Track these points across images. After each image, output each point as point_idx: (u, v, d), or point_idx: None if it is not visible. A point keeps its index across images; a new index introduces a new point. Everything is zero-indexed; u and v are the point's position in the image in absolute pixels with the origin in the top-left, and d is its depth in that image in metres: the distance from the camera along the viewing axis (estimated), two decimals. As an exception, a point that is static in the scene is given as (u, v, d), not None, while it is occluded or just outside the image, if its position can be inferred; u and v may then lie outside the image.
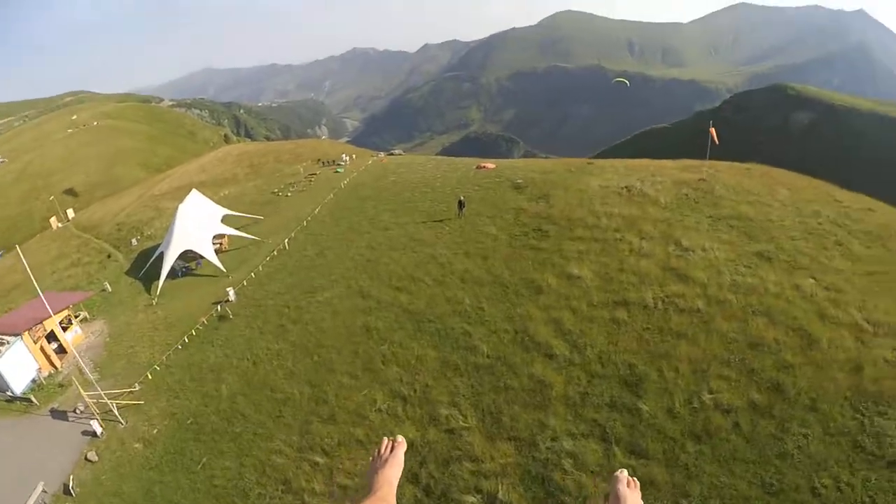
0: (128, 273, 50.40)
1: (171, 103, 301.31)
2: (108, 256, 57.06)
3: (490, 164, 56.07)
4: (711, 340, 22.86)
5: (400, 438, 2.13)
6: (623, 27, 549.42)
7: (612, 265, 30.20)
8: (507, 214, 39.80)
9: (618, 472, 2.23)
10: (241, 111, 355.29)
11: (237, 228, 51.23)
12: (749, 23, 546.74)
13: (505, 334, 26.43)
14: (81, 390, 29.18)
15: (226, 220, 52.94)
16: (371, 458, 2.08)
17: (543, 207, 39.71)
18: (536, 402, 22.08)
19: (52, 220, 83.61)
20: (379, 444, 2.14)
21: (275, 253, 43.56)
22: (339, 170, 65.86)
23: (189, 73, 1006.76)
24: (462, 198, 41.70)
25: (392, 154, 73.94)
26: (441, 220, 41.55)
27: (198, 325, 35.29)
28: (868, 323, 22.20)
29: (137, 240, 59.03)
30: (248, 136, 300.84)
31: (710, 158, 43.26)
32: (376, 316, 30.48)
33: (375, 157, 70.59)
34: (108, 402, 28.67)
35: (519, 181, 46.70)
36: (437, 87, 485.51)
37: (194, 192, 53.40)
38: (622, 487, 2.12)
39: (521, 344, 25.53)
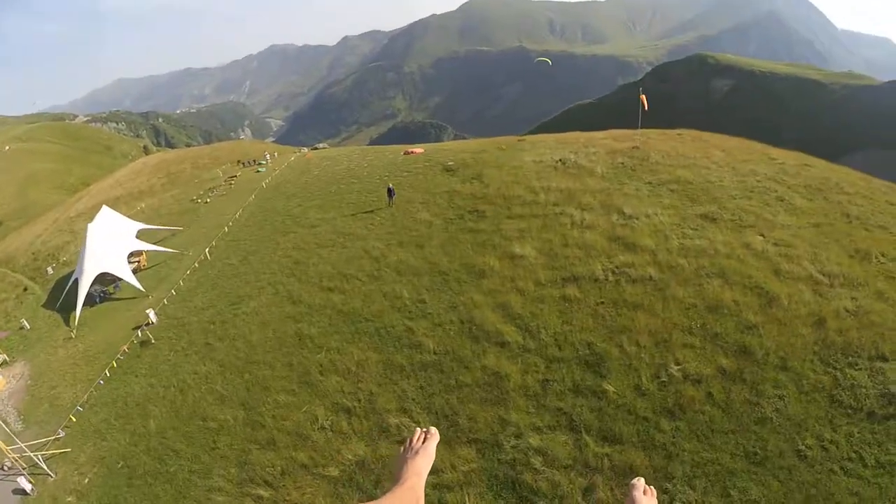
0: (45, 305, 45.79)
1: (85, 119, 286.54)
2: (25, 290, 52.09)
3: (418, 149, 53.66)
4: (669, 308, 21.27)
5: (433, 430, 2.04)
6: (543, 7, 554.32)
7: (555, 241, 28.39)
8: (440, 198, 37.57)
9: (634, 481, 2.03)
10: (160, 120, 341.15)
11: (154, 243, 47.34)
12: None
13: (451, 326, 24.10)
14: (3, 446, 25.57)
15: (142, 235, 48.92)
16: (402, 449, 1.98)
17: (478, 188, 37.68)
18: (494, 396, 19.83)
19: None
20: (411, 434, 2.03)
21: (195, 265, 40.04)
22: (260, 169, 62.19)
23: (102, 87, 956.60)
24: (391, 185, 39.19)
25: (316, 148, 70.41)
26: (371, 211, 38.95)
27: (118, 355, 31.74)
28: (823, 275, 21.43)
29: (53, 268, 54.25)
30: (169, 145, 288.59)
31: (640, 128, 42.32)
32: (308, 322, 27.69)
33: (298, 153, 67.14)
34: (32, 454, 25.23)
35: (450, 163, 44.50)
36: (360, 79, 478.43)
37: (105, 209, 49.11)
38: (638, 495, 1.94)
39: (469, 335, 23.23)
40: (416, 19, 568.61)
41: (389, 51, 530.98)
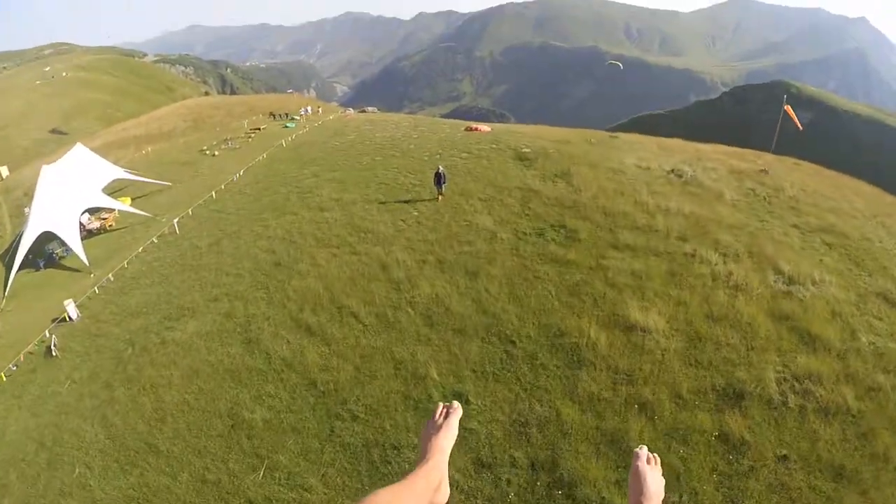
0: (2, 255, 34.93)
1: (154, 58, 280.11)
2: None
3: (484, 127, 40.47)
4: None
5: (455, 405, 1.84)
6: (621, 10, 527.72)
7: (693, 306, 16.24)
8: (511, 198, 24.81)
9: (637, 449, 1.87)
10: (228, 70, 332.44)
11: (133, 199, 35.65)
12: (749, 18, 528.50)
13: (516, 475, 11.30)
14: None
15: (120, 186, 37.28)
16: (425, 425, 1.81)
17: (565, 191, 25.01)
18: None
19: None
20: (434, 409, 1.85)
21: (155, 240, 27.93)
22: (288, 125, 49.88)
23: (175, 30, 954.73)
24: (442, 168, 26.19)
25: (364, 111, 57.49)
26: (408, 201, 26.20)
27: (12, 364, 20.64)
28: None
29: (29, 209, 43.11)
30: (234, 95, 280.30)
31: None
32: (258, 390, 15.18)
33: (341, 113, 54.45)
34: None
35: (525, 150, 31.63)
36: (430, 58, 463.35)
37: (78, 147, 37.76)
38: (642, 465, 1.82)
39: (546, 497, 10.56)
40: (493, 5, 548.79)
41: (462, 33, 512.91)
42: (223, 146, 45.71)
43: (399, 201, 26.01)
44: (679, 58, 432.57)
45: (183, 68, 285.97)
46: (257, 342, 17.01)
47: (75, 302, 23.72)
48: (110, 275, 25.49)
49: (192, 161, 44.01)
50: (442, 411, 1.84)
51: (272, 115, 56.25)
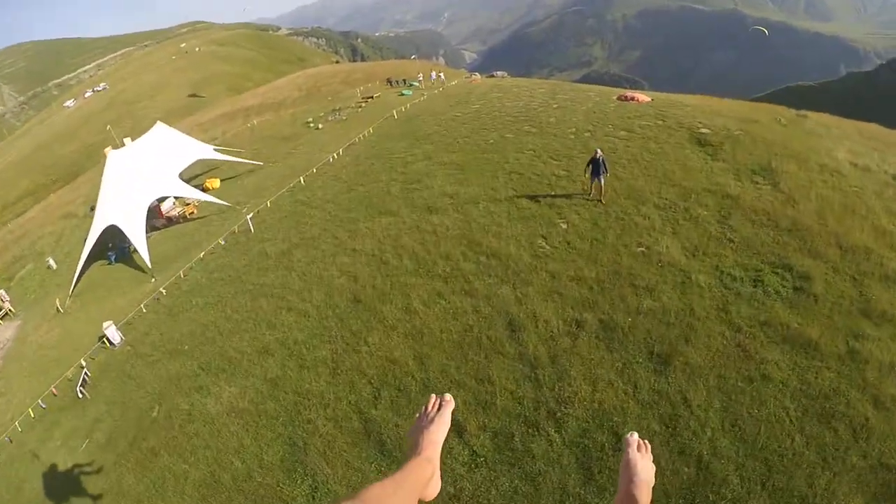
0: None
1: (287, 32, 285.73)
2: (91, 209, 38.45)
3: (643, 96, 30.82)
4: None
5: (448, 397, 1.81)
6: None
7: None
8: (701, 207, 16.22)
9: (628, 436, 1.85)
10: (359, 40, 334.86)
11: (224, 180, 30.49)
12: None
13: None
14: None
15: (213, 165, 32.32)
16: (417, 417, 1.78)
17: (775, 200, 16.09)
18: None
19: (107, 150, 65.60)
20: (426, 401, 1.82)
21: (222, 241, 21.93)
22: (405, 92, 42.74)
23: (308, 4, 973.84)
24: (600, 153, 17.56)
25: (493, 76, 49.20)
26: (550, 201, 18.03)
27: (40, 402, 16.46)
28: None
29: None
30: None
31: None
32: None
33: (466, 78, 46.59)
34: None
35: (703, 130, 22.27)
36: (559, 22, 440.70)
37: (158, 126, 32.69)
38: (632, 452, 1.80)
39: None
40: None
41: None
42: (330, 118, 39.49)
43: (537, 200, 17.94)
44: (827, 23, 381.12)
45: (315, 40, 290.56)
46: (303, 453, 10.07)
47: (120, 321, 18.29)
48: (162, 288, 19.69)
49: (295, 135, 38.20)
50: (435, 403, 1.79)
51: (389, 81, 49.54)
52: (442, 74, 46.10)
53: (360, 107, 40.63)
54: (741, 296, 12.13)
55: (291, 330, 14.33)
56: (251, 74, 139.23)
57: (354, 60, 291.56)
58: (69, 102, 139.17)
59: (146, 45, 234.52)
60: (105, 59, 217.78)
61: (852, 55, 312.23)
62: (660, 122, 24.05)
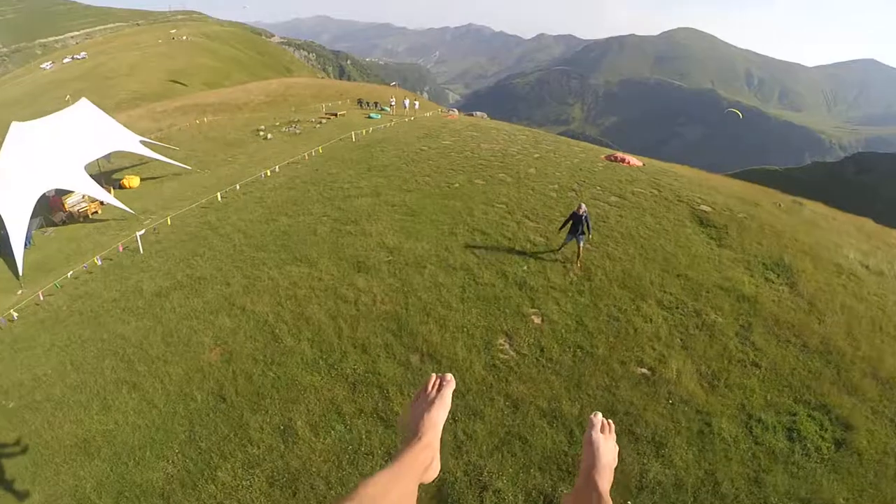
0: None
1: (280, 40, 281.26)
2: None
3: (634, 160, 26.71)
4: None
5: (448, 376, 1.61)
6: (744, 56, 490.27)
7: None
8: (716, 313, 12.22)
9: (592, 416, 1.74)
10: (348, 62, 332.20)
11: (145, 179, 25.34)
12: (873, 82, 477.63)
13: None
14: None
15: (141, 160, 27.16)
16: (415, 398, 1.59)
17: (799, 311, 12.35)
18: None
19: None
20: (426, 381, 1.62)
21: (99, 261, 16.69)
22: (373, 115, 38.15)
23: (304, 17, 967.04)
24: (584, 208, 13.47)
25: (471, 115, 44.95)
26: (520, 275, 13.37)
27: None
28: None
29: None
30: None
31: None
32: None
33: (443, 112, 42.16)
34: None
35: (704, 208, 18.51)
36: (545, 78, 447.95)
37: (83, 102, 27.21)
38: (596, 433, 1.70)
39: None
40: (615, 35, 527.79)
41: (580, 58, 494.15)
42: (284, 129, 34.47)
43: (504, 274, 13.22)
44: (798, 113, 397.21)
45: (306, 53, 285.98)
46: None
47: None
48: (14, 310, 14.15)
49: (240, 141, 32.97)
50: (435, 382, 1.62)
51: (359, 102, 44.89)
52: (417, 103, 41.43)
53: (320, 123, 35.72)
54: (776, 456, 8.25)
55: (126, 422, 9.19)
56: (232, 73, 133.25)
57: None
58: (47, 65, 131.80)
59: (139, 24, 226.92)
60: (95, 28, 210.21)
61: (817, 145, 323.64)
62: (655, 192, 20.01)
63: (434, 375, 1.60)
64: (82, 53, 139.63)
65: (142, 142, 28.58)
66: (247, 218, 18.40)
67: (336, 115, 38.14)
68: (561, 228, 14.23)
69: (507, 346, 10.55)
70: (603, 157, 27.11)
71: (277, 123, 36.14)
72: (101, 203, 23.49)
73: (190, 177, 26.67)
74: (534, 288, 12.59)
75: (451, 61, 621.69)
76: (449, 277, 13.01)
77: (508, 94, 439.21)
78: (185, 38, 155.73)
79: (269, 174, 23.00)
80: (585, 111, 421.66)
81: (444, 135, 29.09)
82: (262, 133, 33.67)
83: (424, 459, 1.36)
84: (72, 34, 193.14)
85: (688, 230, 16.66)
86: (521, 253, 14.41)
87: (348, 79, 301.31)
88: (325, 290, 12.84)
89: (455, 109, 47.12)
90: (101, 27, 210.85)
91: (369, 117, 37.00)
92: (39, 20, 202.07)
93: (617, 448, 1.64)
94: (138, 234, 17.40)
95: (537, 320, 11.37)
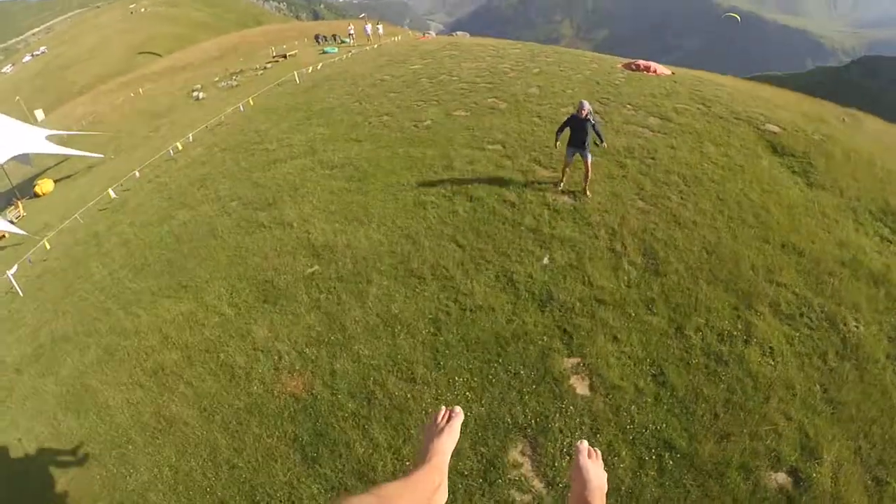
0: None
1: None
2: None
3: (662, 68, 19.78)
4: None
5: (457, 409, 1.67)
6: None
7: None
8: (850, 314, 6.47)
9: (578, 443, 1.71)
10: (321, 5, 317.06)
11: (59, 181, 20.20)
12: None
13: None
14: None
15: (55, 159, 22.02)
16: (426, 426, 1.64)
17: None
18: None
19: None
20: (436, 412, 1.67)
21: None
22: (328, 49, 31.25)
23: None
24: (587, 108, 8.93)
25: (451, 35, 37.48)
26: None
27: None
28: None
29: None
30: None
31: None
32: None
33: (413, 34, 34.92)
34: None
35: (771, 127, 12.72)
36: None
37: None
38: (583, 459, 1.68)
39: None
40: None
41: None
42: (222, 83, 27.86)
43: (511, 279, 7.33)
44: (797, 17, 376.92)
45: (276, 3, 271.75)
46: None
47: None
48: None
49: (170, 108, 26.63)
50: (444, 415, 1.69)
51: (316, 38, 37.70)
52: (380, 27, 33.56)
53: (265, 68, 28.90)
54: None
55: None
56: (196, 36, 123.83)
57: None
58: (7, 68, 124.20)
59: (98, 6, 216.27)
60: (56, 20, 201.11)
61: (819, 50, 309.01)
62: (703, 108, 13.94)
63: (444, 408, 1.62)
64: (41, 49, 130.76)
65: (51, 137, 22.61)
66: (140, 220, 12.47)
67: (286, 56, 31.11)
68: (557, 140, 9.52)
69: (527, 469, 4.77)
70: (620, 65, 20.43)
71: (217, 79, 29.42)
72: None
73: (104, 166, 20.62)
74: (567, 306, 6.66)
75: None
76: (412, 302, 7.07)
77: (493, 18, 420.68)
78: (143, 10, 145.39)
79: (181, 148, 16.85)
80: (575, 27, 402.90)
81: (412, 59, 22.37)
82: (195, 93, 27.09)
83: (433, 480, 1.37)
84: (32, 31, 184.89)
85: (764, 163, 10.92)
86: (537, 231, 8.39)
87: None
88: (205, 353, 7.06)
89: (431, 32, 39.74)
90: (61, 17, 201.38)
91: (324, 52, 30.10)
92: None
93: (605, 474, 1.57)
94: (10, 273, 11.58)
95: (583, 388, 5.51)
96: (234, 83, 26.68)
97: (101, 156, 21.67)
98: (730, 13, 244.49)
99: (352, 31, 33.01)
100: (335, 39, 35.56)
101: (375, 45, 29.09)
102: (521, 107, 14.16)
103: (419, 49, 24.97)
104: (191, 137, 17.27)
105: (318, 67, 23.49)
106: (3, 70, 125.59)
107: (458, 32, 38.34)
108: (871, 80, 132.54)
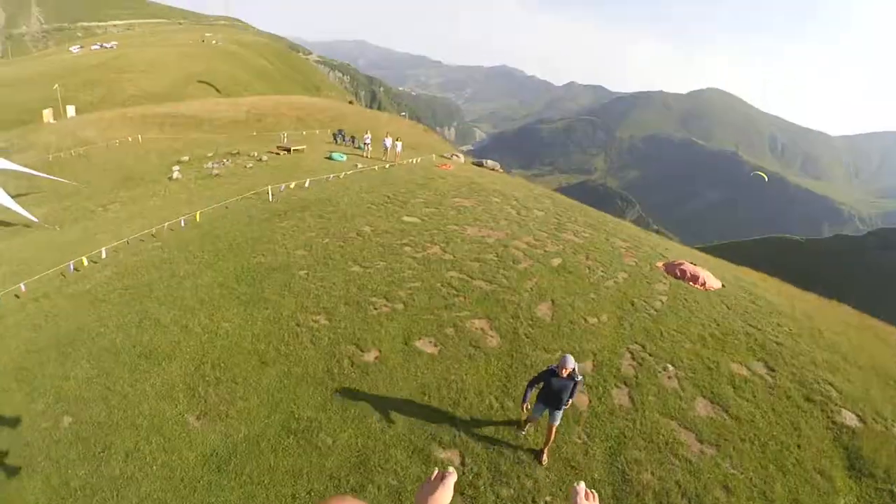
0: None
1: (317, 59, 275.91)
2: None
3: (706, 276, 15.55)
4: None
5: (451, 469, 1.81)
6: (769, 121, 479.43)
7: None
8: None
9: (576, 485, 1.90)
10: (381, 89, 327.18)
11: None
12: (894, 154, 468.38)
13: None
14: None
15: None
16: (421, 485, 1.79)
17: None
18: None
19: (47, 112, 48.23)
20: (431, 473, 1.81)
21: None
22: (336, 156, 27.30)
23: (344, 40, 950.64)
24: (572, 363, 6.47)
25: (481, 165, 34.07)
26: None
27: None
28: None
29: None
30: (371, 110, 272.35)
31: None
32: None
33: (436, 158, 31.35)
34: None
35: (849, 420, 8.73)
36: (571, 126, 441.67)
37: None
38: (581, 500, 1.86)
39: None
40: (643, 90, 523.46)
41: (607, 110, 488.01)
42: (210, 164, 23.98)
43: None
44: (819, 182, 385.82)
45: (340, 75, 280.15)
46: None
47: None
48: None
49: (139, 179, 22.79)
50: (438, 475, 1.79)
51: (334, 135, 34.32)
52: (399, 144, 29.37)
53: (261, 160, 25.08)
54: None
55: None
56: (253, 84, 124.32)
57: (371, 106, 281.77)
58: (75, 48, 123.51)
59: (180, 23, 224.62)
60: (138, 21, 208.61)
61: (836, 215, 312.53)
62: (767, 374, 9.89)
63: (437, 469, 1.70)
64: (112, 43, 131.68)
65: (5, 171, 18.58)
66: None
67: (290, 150, 27.43)
68: (525, 402, 7.29)
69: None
70: (661, 264, 16.20)
71: (210, 154, 25.68)
72: None
73: (30, 236, 16.30)
74: None
75: (481, 101, 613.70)
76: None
77: (533, 139, 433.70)
78: (215, 42, 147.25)
79: (85, 264, 12.51)
80: (608, 163, 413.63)
81: (414, 202, 18.34)
82: (175, 168, 23.18)
83: None
84: (114, 23, 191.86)
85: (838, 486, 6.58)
86: None
87: (379, 105, 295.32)
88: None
89: (458, 156, 36.39)
90: (142, 21, 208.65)
91: (329, 158, 26.31)
92: (85, 3, 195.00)
93: None
94: None
95: None
96: (218, 171, 22.72)
97: (37, 220, 17.37)
98: (758, 171, 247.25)
99: (368, 141, 29.25)
100: (353, 142, 32.07)
101: (388, 165, 25.35)
102: (516, 350, 9.72)
103: (429, 185, 21.03)
104: (104, 253, 12.90)
105: (306, 184, 19.41)
106: (71, 49, 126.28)
107: (488, 162, 34.69)
108: (886, 252, 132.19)
